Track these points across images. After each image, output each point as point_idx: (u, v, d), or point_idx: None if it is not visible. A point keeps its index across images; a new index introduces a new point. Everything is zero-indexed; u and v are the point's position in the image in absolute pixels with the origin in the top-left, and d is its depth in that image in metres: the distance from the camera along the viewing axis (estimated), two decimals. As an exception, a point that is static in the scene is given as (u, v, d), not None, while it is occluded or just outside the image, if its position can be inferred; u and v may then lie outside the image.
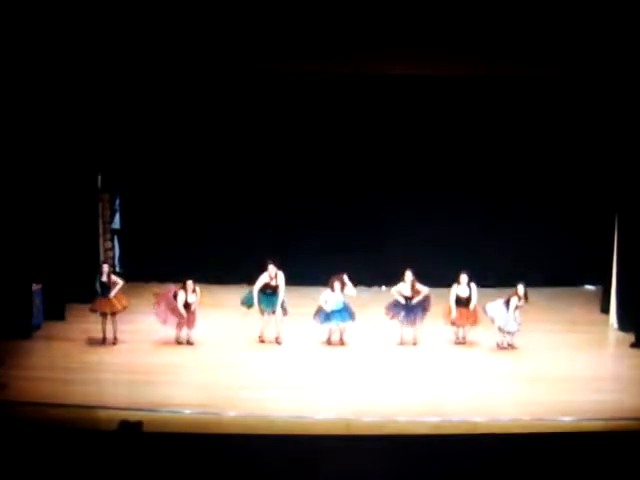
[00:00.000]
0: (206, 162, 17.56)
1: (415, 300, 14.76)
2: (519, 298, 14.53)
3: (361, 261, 16.43)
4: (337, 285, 14.61)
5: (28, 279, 15.22)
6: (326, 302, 14.65)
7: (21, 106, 14.73)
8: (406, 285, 14.78)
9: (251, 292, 14.72)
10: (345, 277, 14.70)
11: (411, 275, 14.74)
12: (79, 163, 16.26)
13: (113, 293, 14.61)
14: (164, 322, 14.71)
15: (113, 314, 14.64)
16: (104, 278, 14.60)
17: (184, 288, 14.55)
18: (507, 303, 14.55)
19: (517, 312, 14.57)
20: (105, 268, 14.76)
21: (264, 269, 14.64)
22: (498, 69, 15.53)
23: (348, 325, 14.85)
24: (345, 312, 14.74)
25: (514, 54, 15.05)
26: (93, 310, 14.74)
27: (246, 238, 17.26)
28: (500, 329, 14.67)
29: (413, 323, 14.85)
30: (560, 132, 17.22)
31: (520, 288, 14.52)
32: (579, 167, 17.34)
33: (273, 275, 14.62)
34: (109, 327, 14.64)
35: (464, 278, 14.67)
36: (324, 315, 14.70)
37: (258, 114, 17.23)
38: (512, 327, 14.61)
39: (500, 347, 14.71)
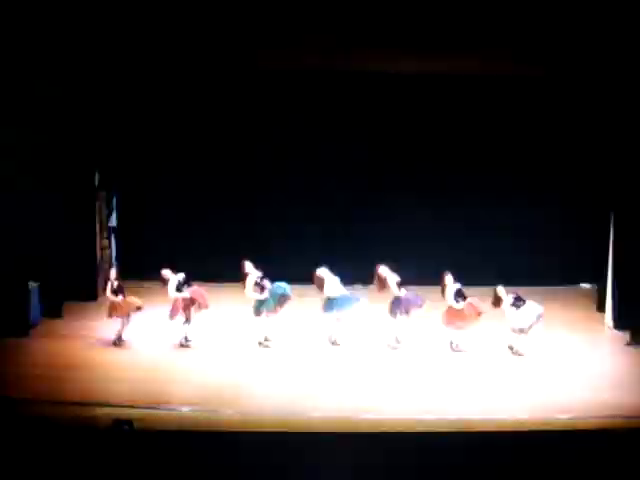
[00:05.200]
0: (204, 160, 17.54)
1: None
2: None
3: (359, 260, 16.40)
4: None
5: (25, 277, 15.24)
6: (333, 289, 14.67)
7: (20, 105, 14.75)
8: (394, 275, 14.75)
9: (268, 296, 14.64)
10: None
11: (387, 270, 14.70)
12: (76, 161, 16.25)
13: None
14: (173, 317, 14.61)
15: (138, 310, 14.55)
16: (116, 283, 14.51)
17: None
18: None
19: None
20: (114, 273, 14.63)
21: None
22: (498, 68, 15.59)
23: (353, 308, 14.79)
24: (349, 297, 14.76)
25: (515, 52, 15.12)
26: (119, 316, 14.47)
27: (245, 236, 17.25)
28: (513, 330, 14.50)
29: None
30: (557, 132, 17.23)
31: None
32: (575, 166, 17.35)
33: (259, 280, 14.59)
34: (114, 327, 14.58)
35: (450, 278, 14.54)
36: (329, 304, 14.71)
37: (257, 113, 17.20)
38: (516, 324, 14.46)
39: (514, 353, 14.57)
